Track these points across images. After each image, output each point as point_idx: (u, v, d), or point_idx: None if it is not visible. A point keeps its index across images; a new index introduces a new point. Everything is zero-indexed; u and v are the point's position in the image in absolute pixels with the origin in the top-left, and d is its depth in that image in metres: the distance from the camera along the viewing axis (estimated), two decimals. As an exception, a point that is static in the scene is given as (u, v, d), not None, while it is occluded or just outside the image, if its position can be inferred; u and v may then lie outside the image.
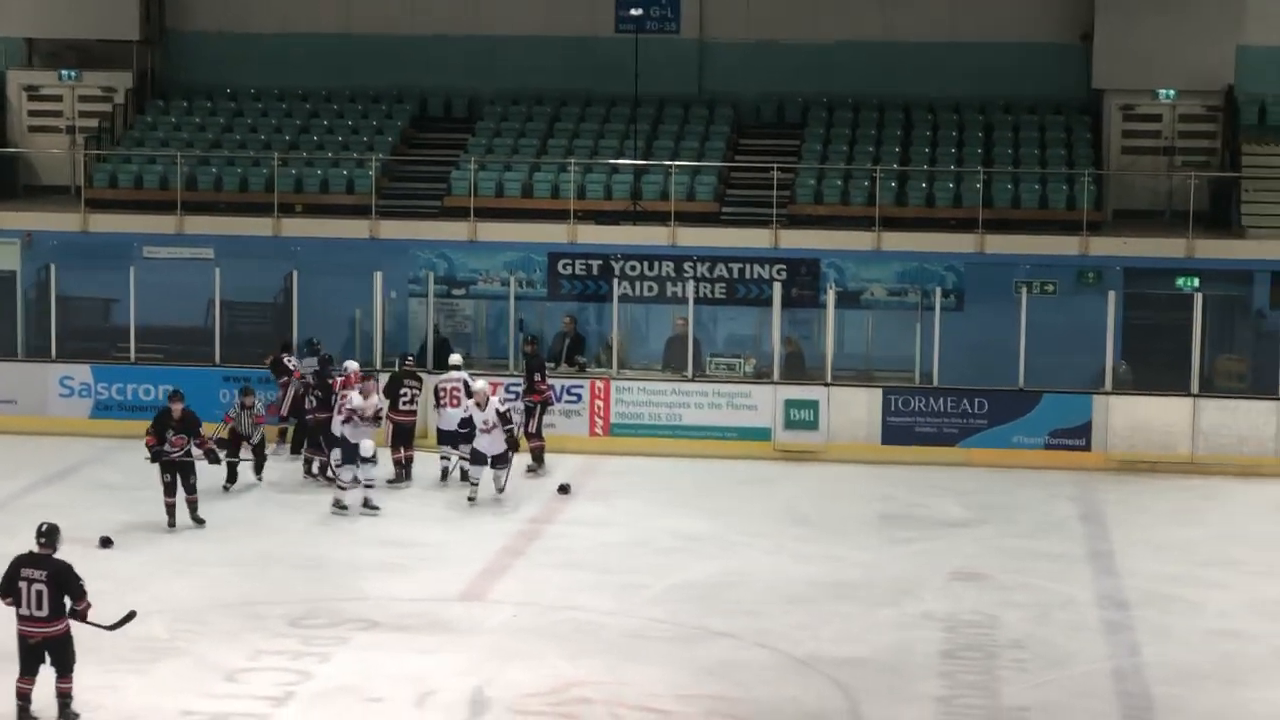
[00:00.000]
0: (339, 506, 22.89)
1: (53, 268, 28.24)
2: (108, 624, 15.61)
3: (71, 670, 15.22)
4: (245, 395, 24.18)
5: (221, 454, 23.11)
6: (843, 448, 26.59)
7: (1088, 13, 31.21)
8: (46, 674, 15.22)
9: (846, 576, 20.49)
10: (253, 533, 22.07)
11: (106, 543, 20.75)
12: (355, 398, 23.26)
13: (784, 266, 28.55)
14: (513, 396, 25.52)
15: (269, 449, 24.70)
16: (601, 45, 32.23)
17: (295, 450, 25.53)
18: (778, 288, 27.45)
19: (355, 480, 22.92)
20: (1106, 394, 26.41)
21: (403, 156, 31.71)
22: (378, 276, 27.41)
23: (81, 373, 27.69)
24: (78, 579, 15.23)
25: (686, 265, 28.64)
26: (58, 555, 15.30)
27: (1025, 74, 31.72)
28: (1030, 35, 31.78)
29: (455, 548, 21.55)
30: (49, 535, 15.36)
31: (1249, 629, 18.71)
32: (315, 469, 24.66)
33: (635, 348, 29.12)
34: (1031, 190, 29.72)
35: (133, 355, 27.75)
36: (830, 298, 27.19)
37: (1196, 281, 27.71)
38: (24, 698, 15.19)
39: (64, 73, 33.35)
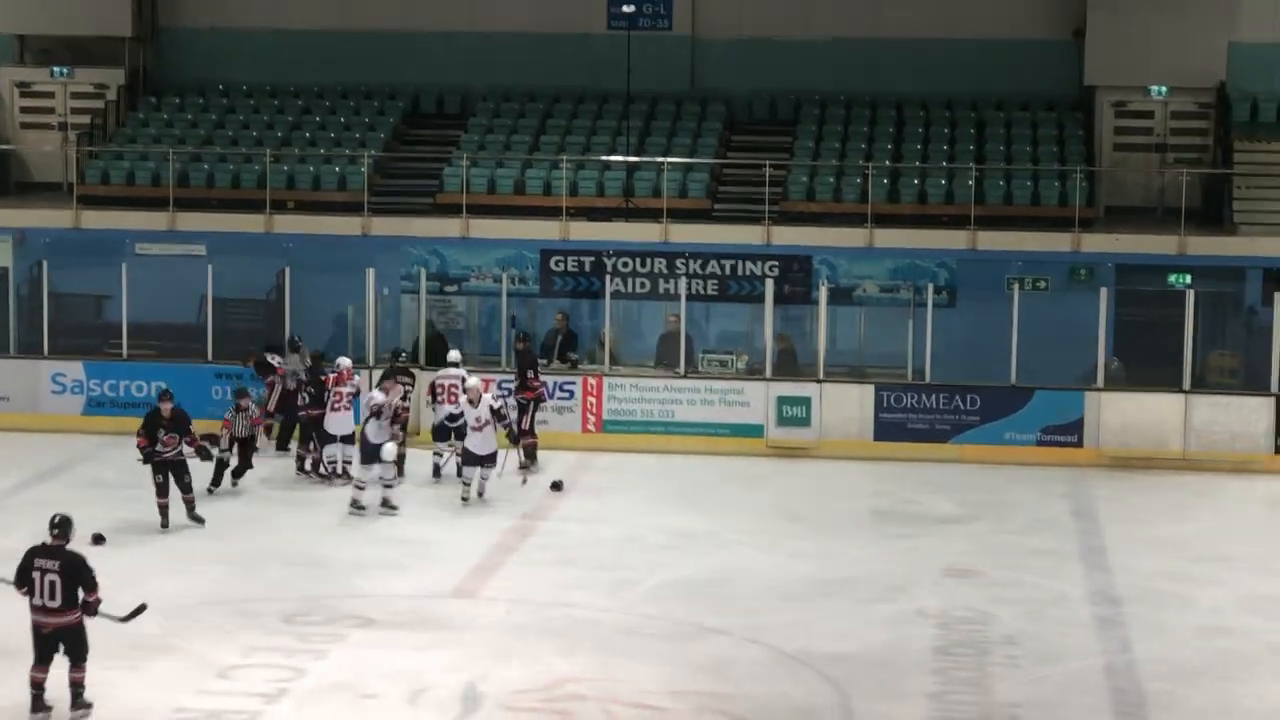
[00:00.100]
0: (356, 507, 22.71)
1: (45, 264, 28.25)
2: (120, 615, 15.69)
3: (85, 660, 15.35)
4: (240, 397, 24.03)
5: (214, 451, 23.04)
6: (835, 444, 26.61)
7: (1080, 9, 31.23)
8: (60, 664, 15.34)
9: (839, 573, 20.51)
10: (246, 530, 22.05)
11: (99, 540, 20.71)
12: (377, 395, 23.14)
13: (776, 263, 28.55)
14: (505, 393, 25.52)
15: (257, 448, 24.46)
16: (594, 42, 32.23)
17: (282, 447, 25.52)
18: (770, 284, 27.47)
19: (377, 478, 22.78)
20: (1099, 390, 26.44)
21: (395, 153, 31.71)
22: (370, 273, 27.41)
23: (74, 369, 27.68)
24: (90, 571, 15.38)
25: (679, 262, 28.63)
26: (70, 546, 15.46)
27: (1017, 71, 31.73)
28: (1022, 32, 31.80)
29: (448, 545, 21.55)
30: (62, 526, 15.51)
31: (1241, 625, 18.74)
32: (308, 465, 24.64)
33: (628, 344, 29.11)
34: (1024, 187, 29.74)
35: (125, 352, 27.75)
36: (823, 294, 27.20)
37: (1188, 278, 27.74)
38: (38, 687, 15.32)
39: (56, 69, 33.31)
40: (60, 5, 32.78)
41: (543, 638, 17.84)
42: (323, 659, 17.08)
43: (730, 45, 32.48)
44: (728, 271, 28.67)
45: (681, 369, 27.17)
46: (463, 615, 18.68)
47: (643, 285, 28.80)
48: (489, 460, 23.39)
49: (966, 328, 27.45)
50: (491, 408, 23.43)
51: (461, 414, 23.77)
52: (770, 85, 32.37)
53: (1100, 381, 26.51)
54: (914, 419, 26.63)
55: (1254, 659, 17.69)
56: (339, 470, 24.37)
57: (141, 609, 15.93)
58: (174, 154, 30.52)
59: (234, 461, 23.65)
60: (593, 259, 28.82)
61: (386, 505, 22.82)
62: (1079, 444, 26.35)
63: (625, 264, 28.74)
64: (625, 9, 31.17)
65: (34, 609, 15.29)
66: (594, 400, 27.01)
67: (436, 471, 24.66)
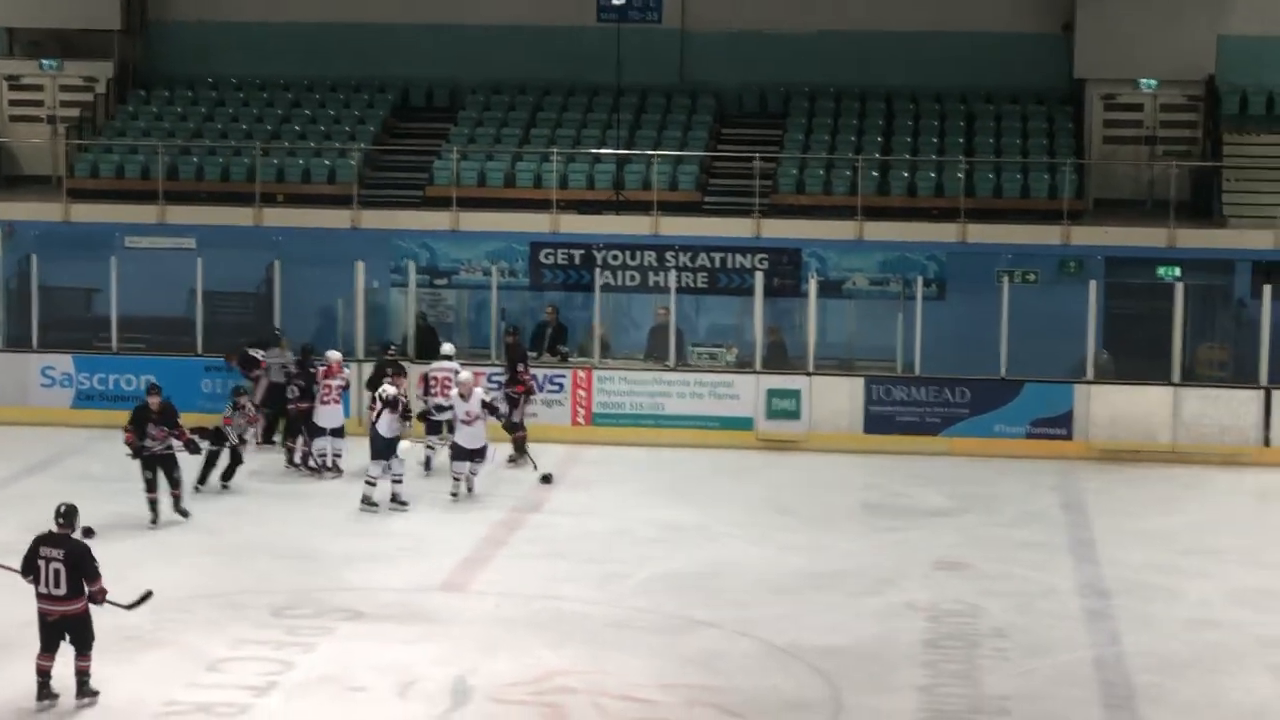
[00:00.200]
0: (368, 503, 22.59)
1: (34, 258, 28.16)
2: (125, 603, 15.74)
3: (90, 648, 15.44)
4: (238, 395, 23.94)
5: (203, 445, 22.97)
6: (825, 437, 26.62)
7: (1069, 3, 31.27)
8: (66, 652, 15.42)
9: (828, 566, 20.52)
10: (235, 523, 22.04)
11: (89, 533, 20.59)
12: (389, 388, 23.08)
13: (766, 256, 28.56)
14: (495, 386, 25.51)
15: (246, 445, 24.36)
16: (584, 35, 32.20)
17: (266, 440, 25.48)
18: (760, 277, 27.44)
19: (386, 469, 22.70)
20: (1088, 383, 26.46)
21: (385, 146, 31.70)
22: (360, 266, 27.39)
23: (63, 363, 27.64)
24: (93, 561, 15.45)
25: (669, 255, 28.63)
26: (75, 535, 15.53)
27: (1007, 64, 31.75)
28: (1012, 25, 31.83)
29: (437, 538, 21.54)
30: (67, 515, 15.59)
31: (1229, 618, 18.76)
32: (297, 459, 24.63)
33: (617, 337, 29.12)
34: (1013, 180, 29.76)
35: (114, 345, 27.71)
36: (812, 287, 27.19)
37: (1178, 271, 27.78)
38: (44, 674, 15.40)
39: (45, 62, 33.26)
40: (49, -2, 32.80)
41: (532, 631, 17.84)
42: (311, 652, 17.08)
43: (720, 38, 32.48)
44: (718, 264, 28.67)
45: (671, 362, 27.17)
46: (452, 608, 18.67)
47: (632, 278, 28.81)
48: (479, 455, 23.37)
49: (956, 320, 27.44)
50: (483, 401, 23.40)
51: (450, 406, 23.73)
52: (760, 78, 32.37)
53: (1090, 374, 26.53)
54: (904, 412, 26.64)
55: (1242, 651, 17.71)
56: (329, 464, 24.36)
57: (148, 596, 16.00)
58: (163, 147, 30.51)
59: (225, 460, 23.59)
60: (582, 252, 28.82)
61: (396, 501, 22.78)
62: (1068, 437, 26.38)
63: (615, 257, 28.74)
64: (615, 1, 31.12)
65: (40, 597, 15.38)
66: (584, 393, 27.00)
67: (428, 465, 24.64)
